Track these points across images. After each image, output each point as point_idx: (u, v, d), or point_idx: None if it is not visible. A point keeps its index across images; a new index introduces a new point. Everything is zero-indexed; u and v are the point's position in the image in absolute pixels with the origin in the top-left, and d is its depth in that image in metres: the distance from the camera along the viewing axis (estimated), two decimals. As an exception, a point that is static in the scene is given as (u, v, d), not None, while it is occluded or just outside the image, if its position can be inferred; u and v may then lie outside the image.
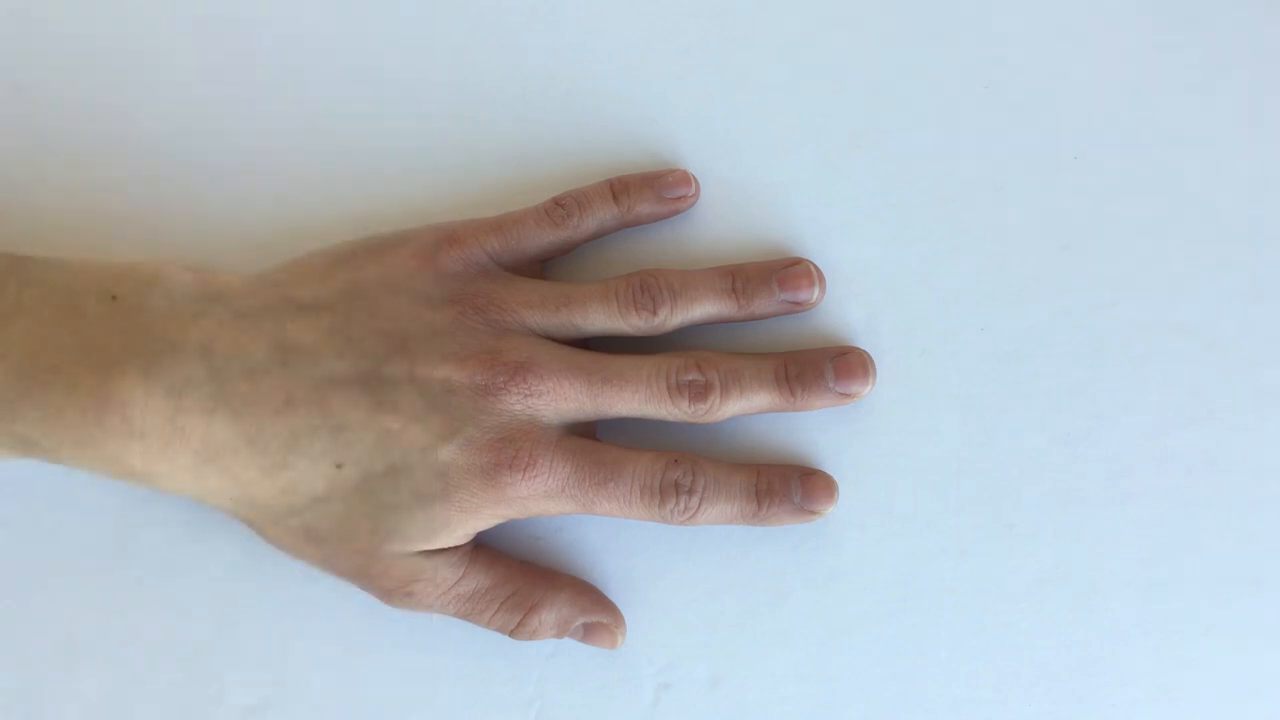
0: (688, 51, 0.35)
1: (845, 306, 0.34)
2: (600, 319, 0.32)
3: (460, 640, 0.34)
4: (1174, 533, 0.33)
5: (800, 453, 0.34)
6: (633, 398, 0.32)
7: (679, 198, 0.34)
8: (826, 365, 0.33)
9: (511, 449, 0.30)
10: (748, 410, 0.33)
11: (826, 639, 0.33)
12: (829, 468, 0.34)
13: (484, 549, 0.33)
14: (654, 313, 0.32)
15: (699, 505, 0.32)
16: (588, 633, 0.33)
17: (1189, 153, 0.34)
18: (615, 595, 0.34)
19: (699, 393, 0.32)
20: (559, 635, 0.33)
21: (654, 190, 0.34)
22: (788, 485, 0.32)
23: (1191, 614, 0.33)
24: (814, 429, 0.34)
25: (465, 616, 0.32)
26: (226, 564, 0.34)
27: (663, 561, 0.34)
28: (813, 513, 0.33)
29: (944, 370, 0.34)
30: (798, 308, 0.34)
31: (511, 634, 0.32)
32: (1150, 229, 0.34)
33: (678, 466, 0.32)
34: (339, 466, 0.30)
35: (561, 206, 0.33)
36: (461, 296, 0.32)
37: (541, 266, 0.35)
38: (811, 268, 0.34)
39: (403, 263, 0.32)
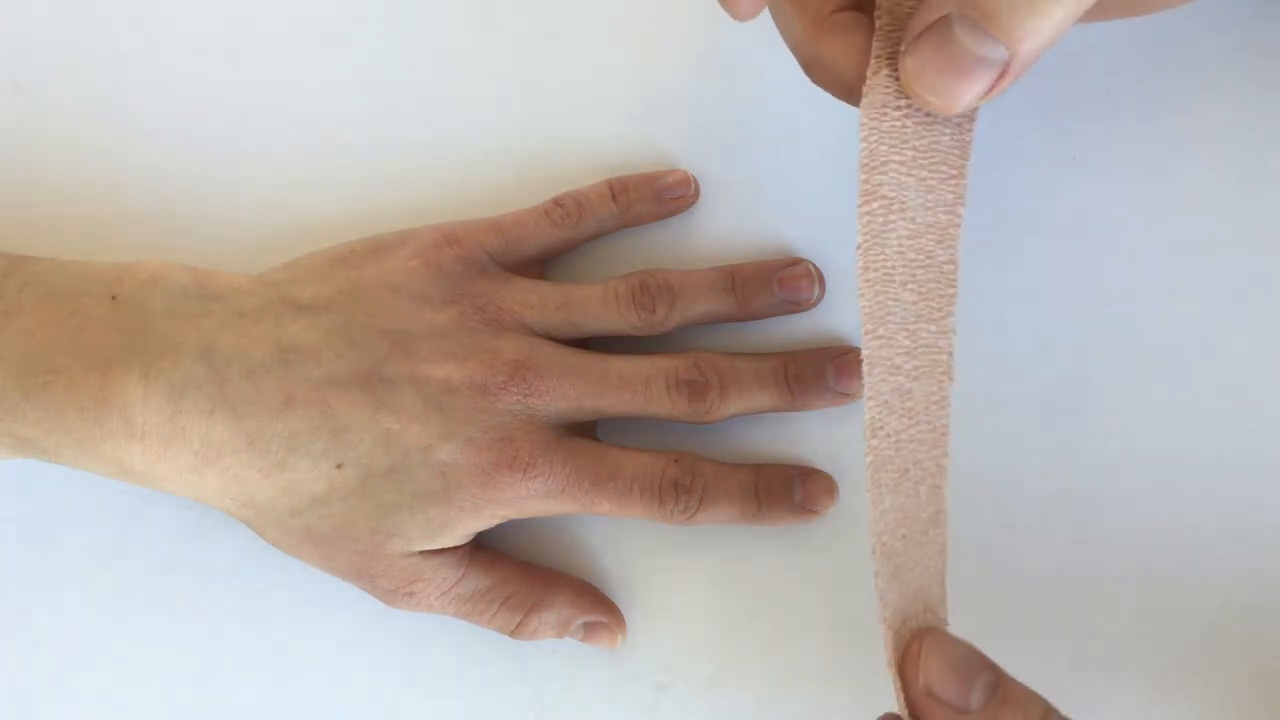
0: (687, 51, 0.35)
1: (845, 306, 0.34)
2: (600, 319, 0.32)
3: (460, 640, 0.34)
4: (1174, 532, 0.33)
5: (800, 453, 0.34)
6: (632, 398, 0.32)
7: (678, 198, 0.34)
8: (826, 365, 0.33)
9: (511, 449, 0.30)
10: (747, 410, 0.33)
11: (826, 639, 0.33)
12: (829, 468, 0.34)
13: (484, 549, 0.33)
14: (653, 312, 0.32)
15: (699, 505, 0.32)
16: (588, 632, 0.33)
17: (1189, 153, 0.34)
18: (615, 595, 0.34)
19: (698, 392, 0.32)
20: (559, 635, 0.33)
21: (653, 190, 0.34)
22: (788, 485, 0.32)
23: (1191, 614, 0.33)
24: (814, 429, 0.34)
25: (465, 616, 0.32)
26: (226, 564, 0.34)
27: (663, 561, 0.34)
28: (813, 512, 0.33)
29: (944, 370, 0.34)
30: (797, 308, 0.34)
31: (512, 634, 0.32)
32: (1150, 229, 0.34)
33: (678, 466, 0.32)
34: (339, 467, 0.30)
35: (561, 206, 0.33)
36: (461, 296, 0.32)
37: (541, 266, 0.35)
38: (811, 268, 0.34)
39: (403, 263, 0.32)
